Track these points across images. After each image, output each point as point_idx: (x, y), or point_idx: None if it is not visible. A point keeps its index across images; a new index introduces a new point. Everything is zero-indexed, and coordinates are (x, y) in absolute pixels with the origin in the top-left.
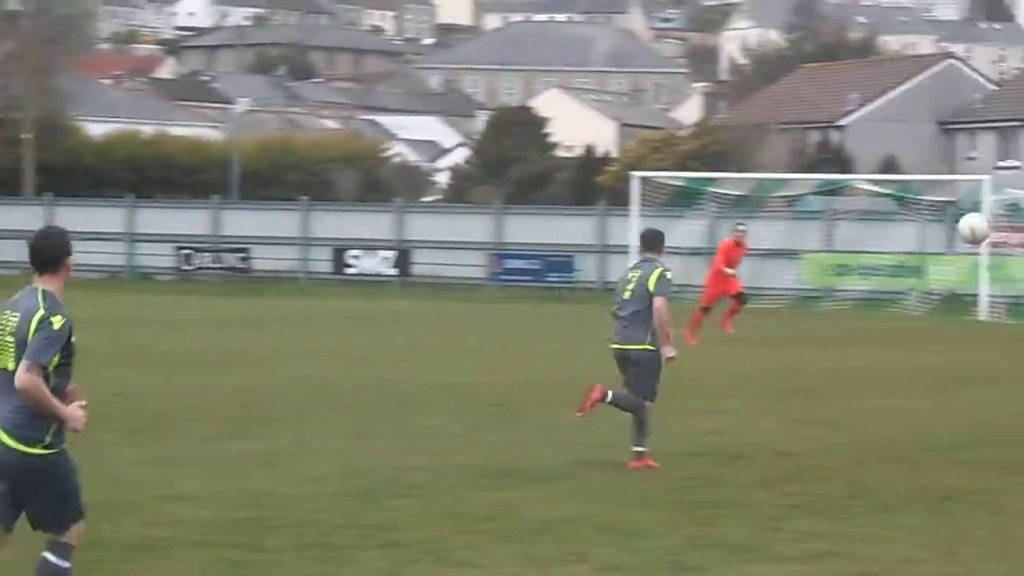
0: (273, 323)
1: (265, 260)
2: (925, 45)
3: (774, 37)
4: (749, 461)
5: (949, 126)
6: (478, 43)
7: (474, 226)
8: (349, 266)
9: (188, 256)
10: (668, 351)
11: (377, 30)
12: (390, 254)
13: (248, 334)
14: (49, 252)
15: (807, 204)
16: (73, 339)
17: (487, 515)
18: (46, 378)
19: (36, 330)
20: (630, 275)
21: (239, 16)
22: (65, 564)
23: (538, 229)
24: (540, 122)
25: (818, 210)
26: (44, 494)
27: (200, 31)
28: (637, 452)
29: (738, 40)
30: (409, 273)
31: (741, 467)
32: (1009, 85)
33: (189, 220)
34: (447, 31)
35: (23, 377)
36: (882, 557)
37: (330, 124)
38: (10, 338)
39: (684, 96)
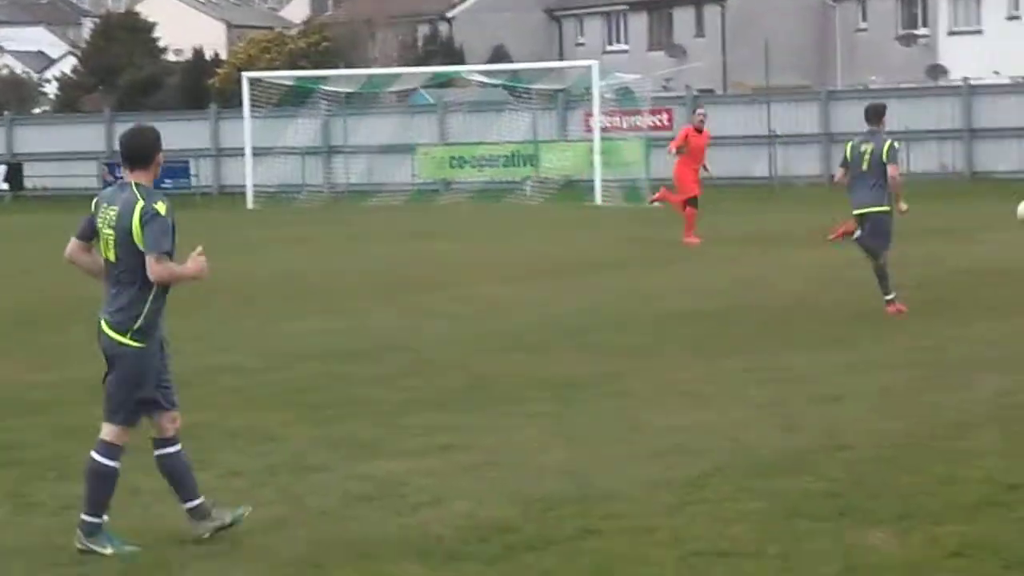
0: None
1: None
2: None
3: None
4: (368, 358)
5: (556, 13)
6: None
7: (86, 136)
8: None
9: None
10: (902, 206)
11: None
12: (1, 168)
13: None
14: (140, 149)
15: (419, 98)
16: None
17: None
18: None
19: (144, 222)
20: (863, 148)
21: None
22: (108, 462)
23: None
24: (147, 27)
25: (430, 103)
26: (114, 378)
27: None
28: (888, 300)
29: None
30: (22, 187)
31: (361, 365)
32: None
33: None
34: None
35: (155, 270)
36: (508, 446)
37: None
38: (110, 231)
39: None
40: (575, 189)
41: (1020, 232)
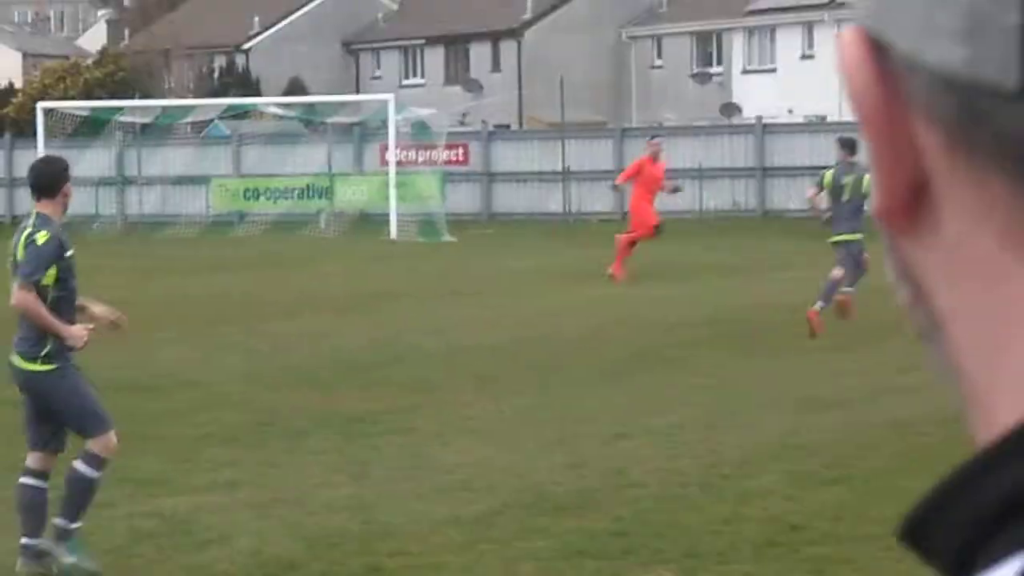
0: None
1: None
2: None
3: None
4: (157, 392)
5: (353, 46)
6: None
7: None
8: None
9: None
10: None
11: None
12: None
13: None
14: (45, 179)
15: (215, 130)
16: (70, 254)
17: None
18: (45, 293)
19: (24, 246)
20: (844, 180)
21: None
22: (93, 473)
23: None
24: None
25: (226, 135)
26: (55, 409)
27: None
28: (816, 309)
29: None
30: None
31: (149, 399)
32: (410, 3)
33: None
34: None
35: (16, 295)
36: (295, 483)
37: None
38: (11, 258)
39: (89, 24)
40: (370, 223)
41: (808, 271)
